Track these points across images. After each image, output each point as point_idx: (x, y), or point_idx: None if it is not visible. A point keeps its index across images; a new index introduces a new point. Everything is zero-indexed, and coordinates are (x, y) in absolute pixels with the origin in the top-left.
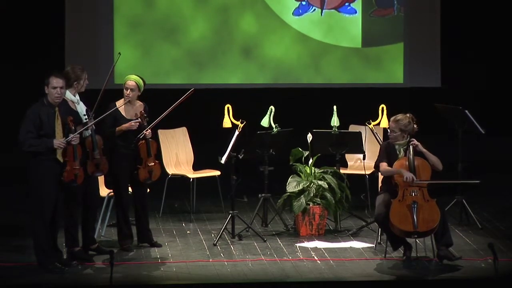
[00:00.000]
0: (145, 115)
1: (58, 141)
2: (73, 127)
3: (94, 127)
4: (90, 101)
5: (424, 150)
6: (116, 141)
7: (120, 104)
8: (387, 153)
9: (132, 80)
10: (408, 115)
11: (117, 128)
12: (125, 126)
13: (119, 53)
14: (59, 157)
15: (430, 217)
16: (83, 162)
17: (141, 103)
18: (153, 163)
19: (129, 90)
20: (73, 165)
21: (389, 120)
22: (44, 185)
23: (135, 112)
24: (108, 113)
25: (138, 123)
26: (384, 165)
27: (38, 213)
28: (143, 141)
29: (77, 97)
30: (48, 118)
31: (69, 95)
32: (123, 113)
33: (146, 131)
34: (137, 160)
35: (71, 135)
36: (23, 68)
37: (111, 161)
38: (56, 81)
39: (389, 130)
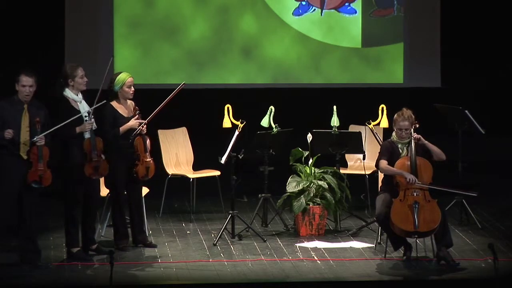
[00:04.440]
0: (138, 111)
1: (7, 131)
2: (39, 129)
3: (94, 127)
4: (90, 101)
5: (425, 142)
6: (118, 140)
7: (116, 104)
8: (389, 152)
9: (132, 77)
10: (405, 109)
11: (121, 128)
12: (129, 124)
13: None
14: (22, 154)
15: (431, 218)
16: (81, 163)
17: (130, 100)
18: (149, 159)
19: (132, 87)
20: (37, 166)
21: (389, 120)
22: (3, 179)
23: (129, 109)
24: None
25: (139, 122)
26: (384, 163)
27: None
28: (140, 137)
29: (80, 96)
30: (14, 114)
31: (70, 93)
32: (120, 111)
33: (142, 126)
34: (134, 157)
35: (36, 137)
36: (23, 68)
37: (109, 161)
38: (25, 80)
39: (399, 131)
